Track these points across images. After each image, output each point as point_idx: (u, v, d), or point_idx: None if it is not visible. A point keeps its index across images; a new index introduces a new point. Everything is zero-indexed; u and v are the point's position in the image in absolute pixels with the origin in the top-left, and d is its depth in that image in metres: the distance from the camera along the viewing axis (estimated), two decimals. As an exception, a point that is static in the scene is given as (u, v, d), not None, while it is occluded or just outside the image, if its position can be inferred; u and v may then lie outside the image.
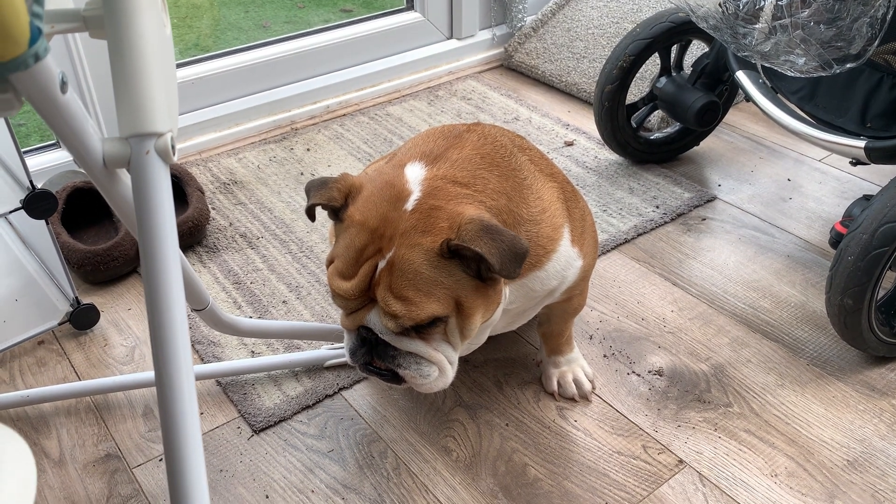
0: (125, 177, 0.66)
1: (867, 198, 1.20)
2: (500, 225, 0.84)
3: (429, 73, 2.00)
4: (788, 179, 1.61)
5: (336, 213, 0.90)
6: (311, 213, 0.93)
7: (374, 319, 0.86)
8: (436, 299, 0.83)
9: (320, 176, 0.92)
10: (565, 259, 0.97)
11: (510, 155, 0.95)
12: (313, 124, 1.82)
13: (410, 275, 0.82)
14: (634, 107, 1.61)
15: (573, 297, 1.07)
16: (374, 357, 0.89)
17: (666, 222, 1.49)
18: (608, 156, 1.68)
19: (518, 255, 0.82)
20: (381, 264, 0.84)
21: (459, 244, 0.81)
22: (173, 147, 0.59)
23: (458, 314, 0.86)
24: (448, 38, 2.06)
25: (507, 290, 0.93)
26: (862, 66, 1.17)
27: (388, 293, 0.83)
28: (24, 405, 1.14)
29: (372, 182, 0.89)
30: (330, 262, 0.89)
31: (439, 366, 0.89)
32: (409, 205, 0.85)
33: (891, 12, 1.09)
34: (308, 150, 1.72)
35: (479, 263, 0.83)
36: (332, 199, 0.88)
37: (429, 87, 1.96)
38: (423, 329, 0.86)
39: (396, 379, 0.90)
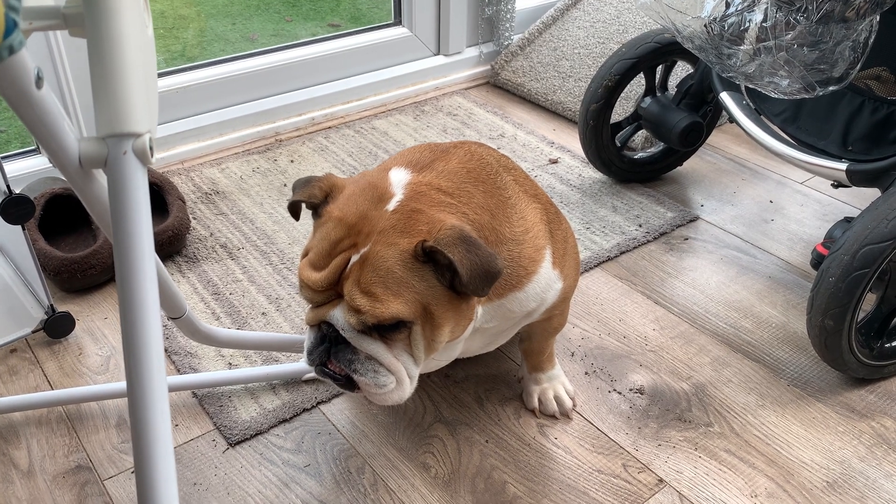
0: (101, 177, 0.65)
1: (848, 220, 1.20)
2: (479, 240, 0.83)
3: (415, 89, 2.00)
4: (770, 201, 1.62)
5: (316, 210, 0.90)
6: (294, 211, 0.93)
7: (338, 315, 0.84)
8: (403, 301, 0.82)
9: (307, 175, 0.93)
10: (545, 281, 0.96)
11: (495, 173, 0.95)
12: (298, 136, 1.81)
13: (382, 272, 0.82)
14: (619, 126, 1.62)
15: (553, 317, 1.06)
16: (332, 359, 0.87)
17: (648, 241, 1.49)
18: (592, 174, 1.69)
19: (489, 274, 0.82)
20: (354, 258, 0.83)
21: (434, 247, 0.80)
22: (151, 148, 0.58)
23: (425, 323, 0.85)
24: (435, 54, 2.07)
25: (479, 310, 0.92)
26: (844, 90, 1.18)
27: (355, 287, 0.82)
28: (-7, 414, 1.11)
29: (355, 183, 0.90)
30: (304, 254, 0.88)
31: (397, 376, 0.87)
32: (391, 205, 0.85)
33: (872, 36, 1.10)
34: (292, 161, 1.71)
35: (452, 273, 0.82)
36: (312, 195, 0.89)
37: (415, 102, 1.96)
38: (385, 332, 0.84)
39: (350, 385, 0.88)
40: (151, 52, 0.61)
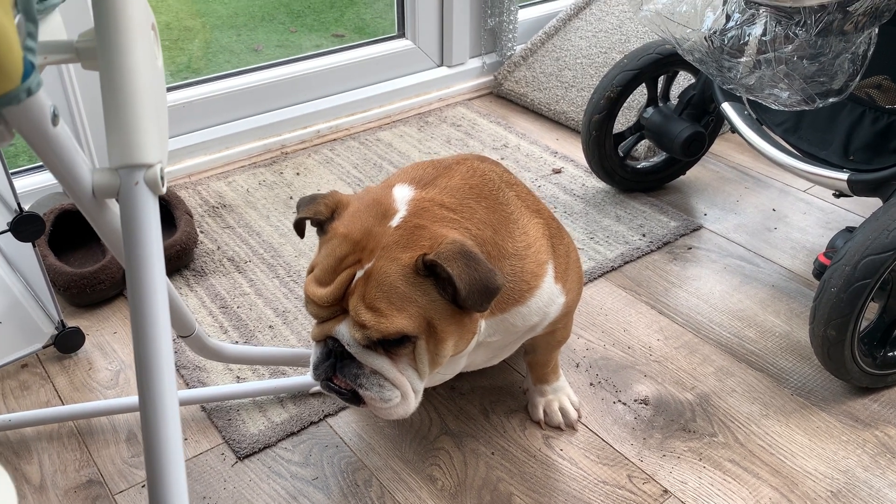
0: (114, 206, 0.67)
1: (850, 230, 1.21)
2: (481, 255, 0.85)
3: (419, 100, 2.01)
4: (773, 209, 1.63)
5: (322, 226, 0.92)
6: (299, 229, 0.94)
7: (343, 330, 0.86)
8: (407, 315, 0.83)
9: (313, 188, 0.94)
10: (548, 296, 0.97)
11: (498, 189, 0.96)
12: (303, 149, 1.83)
13: (385, 287, 0.83)
14: (622, 136, 1.63)
15: (557, 330, 1.07)
16: (337, 374, 0.88)
17: (652, 250, 1.50)
18: (595, 184, 1.70)
19: (488, 290, 0.83)
20: (359, 274, 0.84)
21: (434, 261, 0.82)
22: (163, 178, 0.59)
23: (429, 337, 0.86)
24: (439, 66, 2.08)
25: (483, 324, 0.93)
26: (844, 100, 1.19)
27: (360, 303, 0.83)
28: (5, 429, 1.13)
29: (359, 200, 0.91)
30: (310, 270, 0.90)
31: (402, 390, 0.88)
32: (395, 222, 0.87)
33: (871, 48, 1.11)
34: (298, 174, 1.73)
35: (452, 288, 0.83)
36: (318, 212, 0.91)
37: (419, 114, 1.98)
38: (390, 347, 0.86)
39: (356, 399, 0.89)
40: (161, 84, 0.63)
